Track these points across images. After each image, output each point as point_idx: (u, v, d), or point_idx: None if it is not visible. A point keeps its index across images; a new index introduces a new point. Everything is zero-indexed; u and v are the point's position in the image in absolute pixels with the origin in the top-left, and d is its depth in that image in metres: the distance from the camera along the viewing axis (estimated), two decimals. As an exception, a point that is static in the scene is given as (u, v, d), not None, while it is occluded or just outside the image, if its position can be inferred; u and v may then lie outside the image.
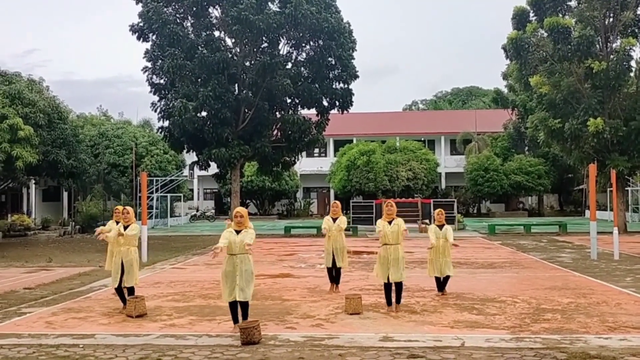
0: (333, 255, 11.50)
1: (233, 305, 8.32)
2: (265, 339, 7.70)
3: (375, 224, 10.11)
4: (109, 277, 11.34)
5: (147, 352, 7.25)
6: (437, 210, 11.42)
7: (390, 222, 9.68)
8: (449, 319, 9.02)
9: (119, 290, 9.95)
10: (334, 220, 11.63)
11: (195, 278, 13.95)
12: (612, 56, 25.58)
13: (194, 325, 8.81)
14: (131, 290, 9.93)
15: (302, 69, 30.27)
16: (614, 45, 26.26)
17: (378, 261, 9.77)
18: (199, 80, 28.81)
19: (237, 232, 8.31)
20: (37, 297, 11.54)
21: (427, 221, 28.28)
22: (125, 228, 9.89)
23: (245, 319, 8.23)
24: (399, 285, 9.65)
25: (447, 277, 11.16)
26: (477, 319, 8.94)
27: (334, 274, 11.72)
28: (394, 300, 9.70)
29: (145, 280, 12.95)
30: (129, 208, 10.13)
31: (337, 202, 12.33)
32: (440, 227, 11.10)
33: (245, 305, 8.30)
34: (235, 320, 8.36)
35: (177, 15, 29.53)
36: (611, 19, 26.11)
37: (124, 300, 9.85)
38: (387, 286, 9.67)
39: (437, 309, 9.81)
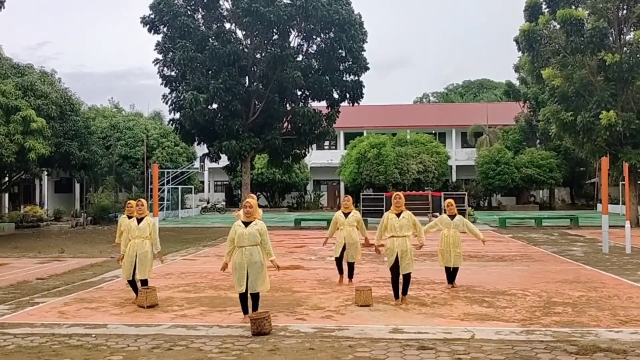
0: (344, 248, 11.50)
1: (243, 296, 8.36)
2: (275, 330, 7.74)
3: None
4: (120, 268, 11.41)
5: (158, 342, 7.31)
6: (447, 201, 11.43)
7: (398, 215, 9.65)
8: (459, 311, 9.01)
9: (131, 282, 9.99)
10: (346, 215, 11.63)
11: (206, 269, 14.02)
12: (625, 48, 25.37)
13: (205, 316, 8.86)
14: (144, 282, 9.97)
15: (313, 61, 30.24)
16: (627, 37, 26.01)
17: (386, 252, 9.77)
18: (210, 72, 28.87)
19: (246, 224, 8.31)
20: (49, 287, 11.65)
21: (437, 214, 28.22)
22: (139, 221, 9.89)
23: (255, 310, 8.27)
24: (406, 277, 9.63)
25: (456, 269, 11.16)
26: (488, 312, 8.93)
27: (347, 268, 11.70)
28: (400, 293, 9.69)
29: (156, 272, 13.00)
30: (142, 200, 10.11)
31: (349, 196, 12.30)
32: (452, 217, 11.11)
33: (255, 296, 8.34)
34: (245, 311, 8.39)
35: (188, 7, 29.56)
36: (625, 11, 25.85)
37: (136, 291, 9.89)
38: (395, 278, 9.66)
39: (447, 301, 9.81)
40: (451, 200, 11.43)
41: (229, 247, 8.44)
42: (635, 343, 7.08)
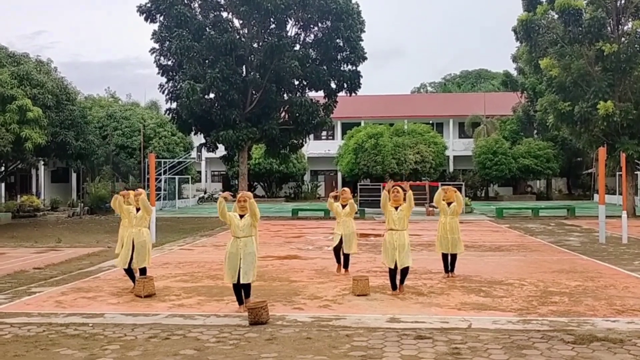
0: (341, 240, 11.56)
1: (236, 287, 8.42)
2: (273, 319, 7.74)
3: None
4: (117, 257, 11.41)
5: (155, 331, 7.31)
6: (445, 188, 11.45)
7: (396, 208, 9.63)
8: (456, 301, 9.03)
9: (128, 271, 9.99)
10: (343, 207, 11.69)
11: (203, 259, 14.02)
12: (623, 39, 25.32)
13: (202, 305, 8.86)
14: (143, 271, 9.97)
15: (310, 50, 30.11)
16: (625, 27, 26.00)
17: (383, 246, 9.76)
18: (207, 61, 28.72)
19: (241, 216, 8.40)
20: (46, 276, 11.63)
21: (434, 204, 28.24)
22: (138, 210, 9.91)
23: (248, 297, 8.37)
24: (404, 270, 9.63)
25: (454, 256, 11.17)
26: (484, 301, 8.95)
27: (343, 259, 11.76)
28: (398, 284, 9.68)
29: (153, 261, 12.97)
30: (140, 189, 10.10)
31: (347, 189, 12.31)
32: (449, 203, 11.14)
33: (247, 286, 8.42)
34: (240, 302, 8.45)
35: (185, -4, 29.37)
36: (623, 1, 25.79)
37: (134, 280, 9.88)
38: (392, 272, 9.64)
39: (444, 291, 9.82)
40: (450, 187, 11.45)
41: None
42: (631, 332, 7.10)
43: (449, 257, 11.20)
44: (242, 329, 7.39)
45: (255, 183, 48.17)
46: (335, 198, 11.86)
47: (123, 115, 41.46)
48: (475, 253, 14.76)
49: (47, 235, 20.38)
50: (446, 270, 11.20)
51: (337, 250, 11.76)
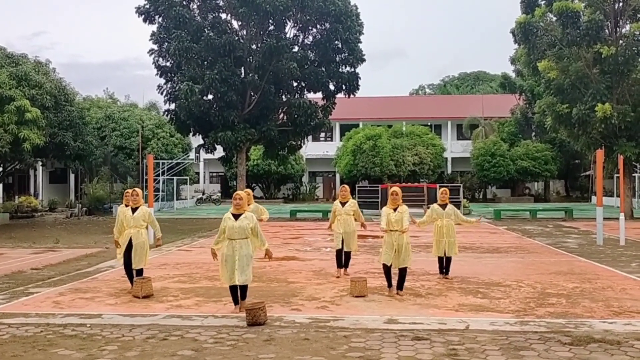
0: (342, 238, 11.49)
1: (233, 288, 8.40)
2: (270, 320, 7.75)
3: (381, 209, 10.03)
4: (115, 258, 11.42)
5: (153, 332, 7.31)
6: (441, 190, 11.46)
7: (395, 210, 9.64)
8: (453, 302, 9.04)
9: (129, 270, 9.97)
10: (343, 204, 11.59)
11: (201, 260, 14.01)
12: (621, 41, 25.36)
13: (200, 306, 8.86)
14: (139, 272, 9.97)
15: (309, 52, 30.12)
16: (623, 30, 26.05)
17: (384, 245, 9.75)
18: (205, 63, 28.73)
19: (236, 216, 8.30)
20: (44, 277, 11.62)
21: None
22: (134, 210, 9.89)
23: (244, 299, 8.33)
24: (402, 271, 9.63)
25: (449, 259, 11.18)
26: (482, 303, 8.96)
27: (343, 257, 11.67)
28: (394, 283, 9.67)
29: (151, 262, 12.97)
30: (137, 190, 10.10)
31: (346, 186, 12.28)
32: (444, 206, 11.14)
33: (243, 287, 8.40)
34: (236, 302, 8.43)
35: (183, -3, 29.36)
36: (621, 4, 25.86)
37: (132, 281, 9.87)
38: (387, 268, 9.63)
39: (442, 292, 9.83)
40: (445, 189, 11.46)
41: (219, 237, 8.41)
42: (628, 334, 7.11)
43: (444, 260, 11.21)
44: (240, 329, 7.39)
45: (254, 184, 48.17)
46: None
47: (121, 116, 41.44)
48: (473, 254, 14.77)
49: (45, 236, 20.36)
50: (441, 272, 11.22)
51: (340, 252, 11.59)
